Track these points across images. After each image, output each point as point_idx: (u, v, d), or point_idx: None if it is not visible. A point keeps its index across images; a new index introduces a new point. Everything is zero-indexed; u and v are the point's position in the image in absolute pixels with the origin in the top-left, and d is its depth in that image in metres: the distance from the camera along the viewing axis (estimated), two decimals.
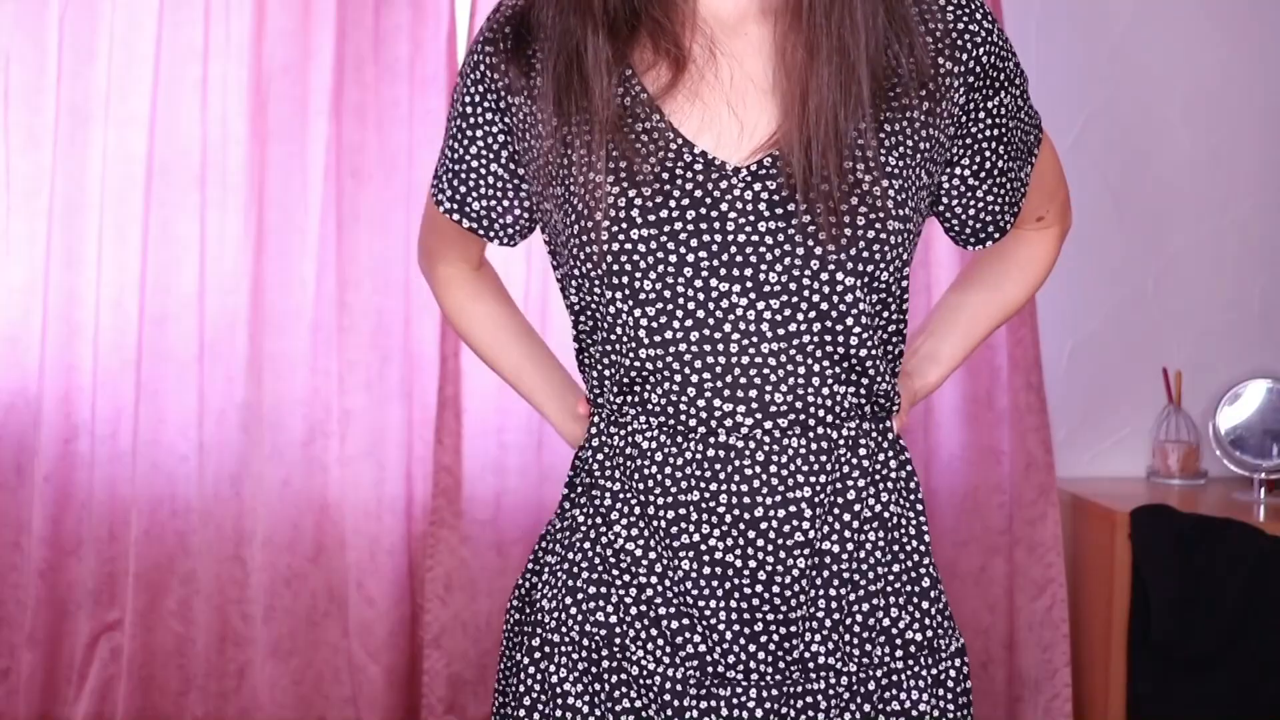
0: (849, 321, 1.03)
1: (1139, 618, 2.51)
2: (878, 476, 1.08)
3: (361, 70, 2.62)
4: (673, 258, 1.02)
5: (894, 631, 1.08)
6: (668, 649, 1.05)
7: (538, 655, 1.09)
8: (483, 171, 1.13)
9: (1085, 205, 2.84)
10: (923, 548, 1.10)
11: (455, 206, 1.16)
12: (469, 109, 1.13)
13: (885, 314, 1.06)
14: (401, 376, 2.65)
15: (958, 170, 1.11)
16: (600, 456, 1.09)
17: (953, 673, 1.10)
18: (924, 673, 1.08)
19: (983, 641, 2.71)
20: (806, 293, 1.02)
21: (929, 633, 1.09)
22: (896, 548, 1.08)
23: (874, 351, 1.05)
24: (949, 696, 1.09)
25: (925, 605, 1.09)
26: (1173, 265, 2.88)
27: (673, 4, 1.05)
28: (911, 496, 1.10)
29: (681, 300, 1.02)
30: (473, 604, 2.64)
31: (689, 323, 1.02)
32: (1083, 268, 2.85)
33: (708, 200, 1.02)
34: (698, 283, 1.02)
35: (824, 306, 1.02)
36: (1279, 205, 2.91)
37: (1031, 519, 2.68)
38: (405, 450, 2.67)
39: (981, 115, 1.10)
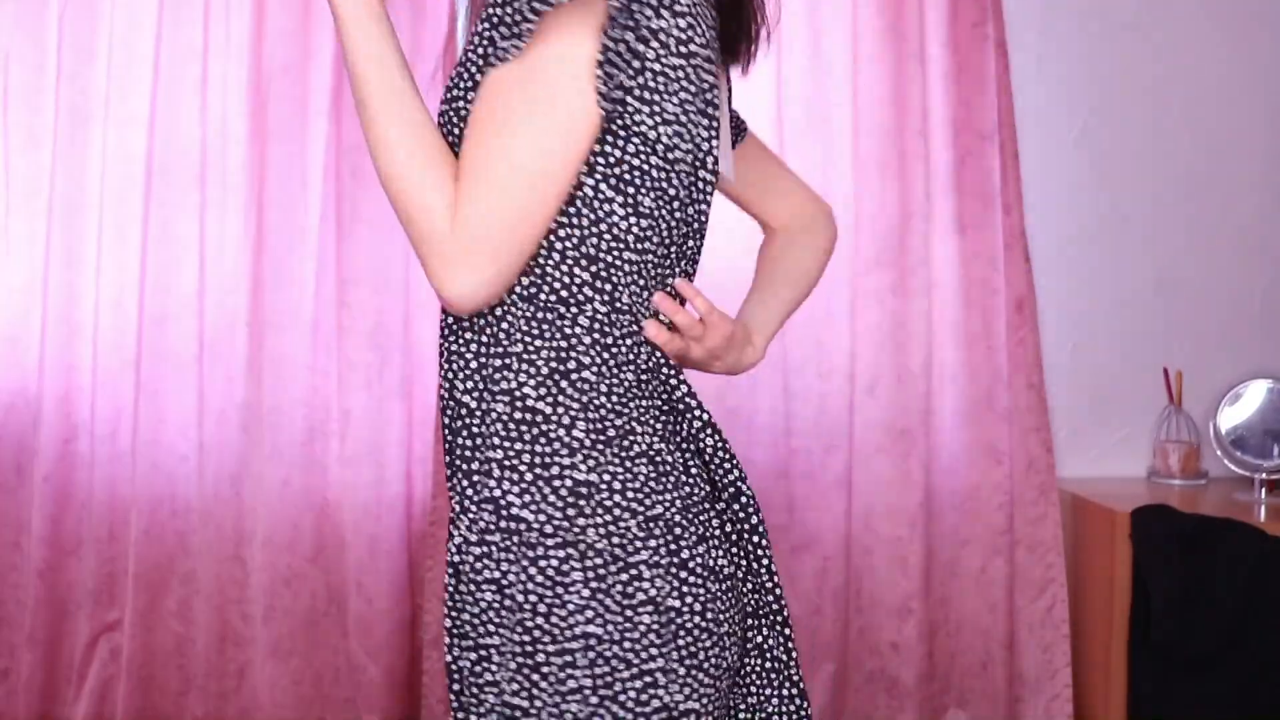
0: None
1: (1139, 618, 2.51)
2: None
3: None
4: None
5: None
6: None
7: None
8: None
9: (1085, 205, 2.86)
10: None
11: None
12: None
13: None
14: (401, 376, 2.65)
15: None
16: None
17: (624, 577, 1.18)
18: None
19: (983, 641, 2.70)
20: None
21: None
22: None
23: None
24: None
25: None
26: (1173, 265, 2.88)
27: None
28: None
29: None
30: None
31: None
32: (1083, 268, 2.85)
33: None
34: None
35: None
36: (1279, 205, 2.91)
37: (1032, 519, 2.68)
38: (405, 450, 2.67)
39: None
